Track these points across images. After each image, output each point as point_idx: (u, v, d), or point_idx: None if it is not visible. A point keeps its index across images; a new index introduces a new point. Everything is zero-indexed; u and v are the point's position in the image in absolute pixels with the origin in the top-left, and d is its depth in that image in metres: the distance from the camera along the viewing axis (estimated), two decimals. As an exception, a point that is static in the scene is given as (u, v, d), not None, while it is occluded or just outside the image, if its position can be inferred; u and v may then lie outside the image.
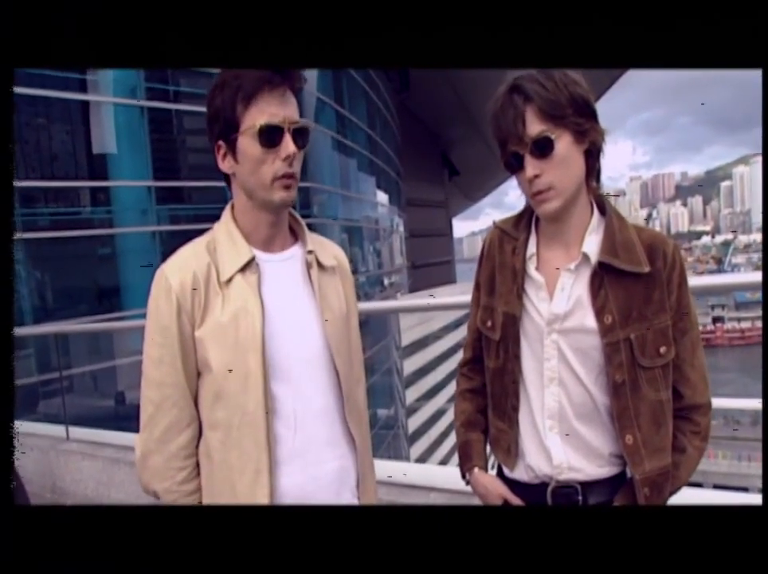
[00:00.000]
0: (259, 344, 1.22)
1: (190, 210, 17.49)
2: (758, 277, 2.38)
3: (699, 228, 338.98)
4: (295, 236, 1.39)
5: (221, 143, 1.26)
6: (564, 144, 1.22)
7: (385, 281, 30.37)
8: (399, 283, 33.00)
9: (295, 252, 1.36)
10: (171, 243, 16.26)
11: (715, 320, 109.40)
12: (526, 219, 1.39)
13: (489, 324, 1.39)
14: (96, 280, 15.71)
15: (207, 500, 1.30)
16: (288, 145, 1.21)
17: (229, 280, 1.25)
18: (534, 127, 1.21)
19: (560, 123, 1.21)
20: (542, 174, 1.22)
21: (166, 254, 1.35)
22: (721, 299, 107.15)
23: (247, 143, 1.22)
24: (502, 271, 1.38)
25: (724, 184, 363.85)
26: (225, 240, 1.29)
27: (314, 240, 1.39)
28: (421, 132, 43.44)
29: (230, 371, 1.23)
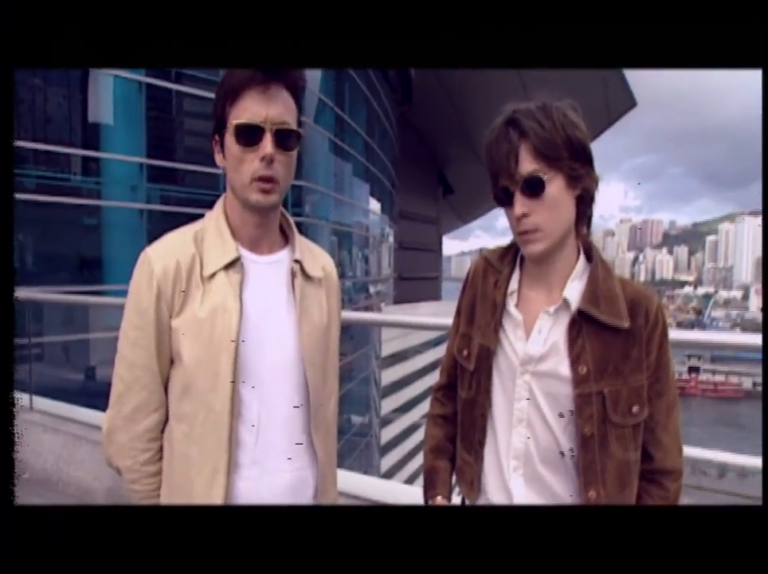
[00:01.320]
0: (232, 345, 1.22)
1: (182, 192, 17.21)
2: (736, 337, 2.49)
3: (683, 277, 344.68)
4: (287, 239, 1.38)
5: (216, 137, 1.28)
6: (556, 187, 1.18)
7: (371, 289, 30.07)
8: (385, 292, 32.79)
9: (283, 257, 1.34)
10: (159, 223, 16.10)
11: (691, 369, 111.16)
12: (512, 254, 1.36)
13: (465, 353, 1.37)
14: (78, 249, 15.28)
15: (165, 488, 1.31)
16: (266, 146, 1.19)
17: (212, 275, 1.25)
18: (527, 165, 1.18)
19: (554, 165, 1.17)
20: (530, 214, 1.19)
21: (152, 233, 1.32)
22: (698, 350, 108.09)
23: (230, 141, 1.22)
24: (483, 302, 1.36)
25: (710, 238, 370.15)
26: (213, 233, 1.28)
27: (304, 247, 1.38)
28: (419, 146, 43.55)
29: (200, 366, 1.23)
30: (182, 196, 16.93)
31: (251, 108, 1.19)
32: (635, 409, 1.21)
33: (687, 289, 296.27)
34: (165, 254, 1.24)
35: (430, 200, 48.86)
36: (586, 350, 1.21)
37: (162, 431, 1.30)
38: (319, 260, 1.42)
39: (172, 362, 1.27)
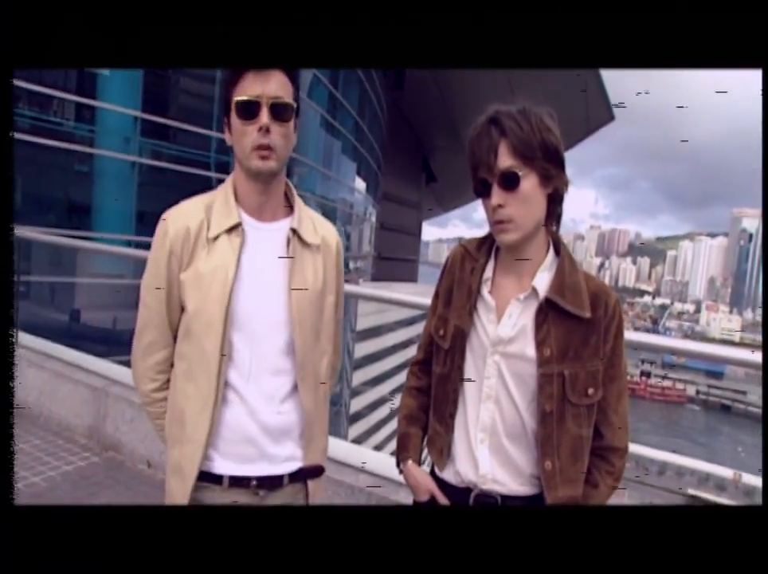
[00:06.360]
0: (225, 298, 1.39)
1: (173, 149, 17.07)
2: (688, 344, 2.65)
3: (643, 287, 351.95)
4: (293, 210, 1.52)
5: (225, 119, 1.44)
6: (529, 183, 1.29)
7: (351, 265, 30.25)
8: (363, 270, 33.04)
9: (284, 225, 1.49)
10: (149, 176, 15.94)
11: (643, 373, 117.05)
12: (488, 244, 1.47)
13: (441, 332, 1.48)
14: (68, 194, 15.11)
15: (168, 414, 1.52)
16: (262, 117, 1.35)
17: (216, 237, 1.42)
18: (505, 160, 1.28)
19: (528, 163, 1.28)
20: (505, 205, 1.29)
21: (142, 185, 1.43)
22: (651, 356, 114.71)
23: (233, 118, 1.39)
24: (459, 287, 1.46)
25: (670, 253, 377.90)
26: (220, 202, 1.45)
27: (306, 216, 1.53)
28: (407, 133, 43.49)
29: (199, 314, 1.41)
30: (172, 153, 16.79)
31: (250, 88, 1.35)
32: (590, 391, 1.35)
33: (646, 299, 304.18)
34: (179, 218, 1.43)
35: (413, 185, 48.84)
36: (551, 335, 1.33)
37: (172, 366, 1.51)
38: (320, 229, 1.55)
39: (183, 310, 1.45)
